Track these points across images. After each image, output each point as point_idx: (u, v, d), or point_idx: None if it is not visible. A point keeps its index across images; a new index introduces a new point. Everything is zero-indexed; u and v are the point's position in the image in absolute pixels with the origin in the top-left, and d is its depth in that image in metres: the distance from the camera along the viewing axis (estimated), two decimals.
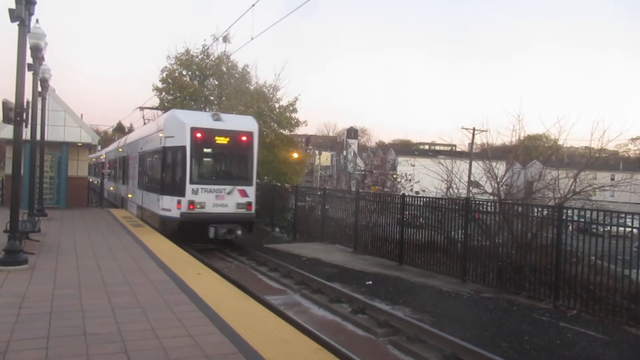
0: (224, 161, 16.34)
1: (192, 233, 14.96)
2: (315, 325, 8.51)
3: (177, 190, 15.03)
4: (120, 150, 25.90)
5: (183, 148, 15.01)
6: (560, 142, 14.62)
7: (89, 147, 24.52)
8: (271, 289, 11.23)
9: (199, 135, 15.15)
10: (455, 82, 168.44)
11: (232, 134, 15.71)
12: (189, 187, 14.82)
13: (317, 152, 75.63)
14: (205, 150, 15.65)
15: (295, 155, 31.50)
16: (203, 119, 15.97)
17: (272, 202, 23.24)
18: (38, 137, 17.98)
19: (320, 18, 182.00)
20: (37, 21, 12.74)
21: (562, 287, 10.33)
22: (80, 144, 22.43)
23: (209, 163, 16.12)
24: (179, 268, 9.21)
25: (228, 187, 15.27)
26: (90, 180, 30.41)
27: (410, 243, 14.19)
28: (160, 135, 16.13)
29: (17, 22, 8.35)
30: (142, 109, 26.36)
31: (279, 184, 27.08)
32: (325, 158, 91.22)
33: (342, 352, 6.57)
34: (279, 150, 28.08)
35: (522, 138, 15.57)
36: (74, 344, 5.05)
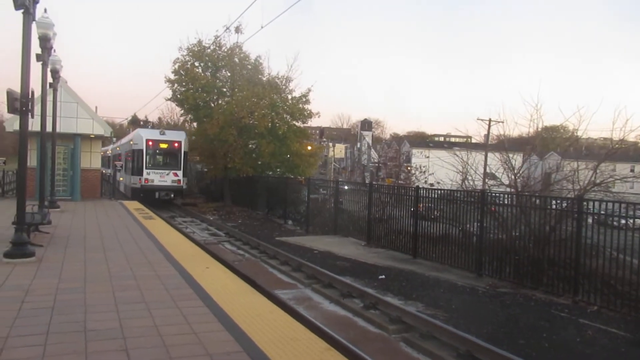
0: (164, 157, 27.60)
1: (147, 196, 25.73)
2: (326, 321, 8.30)
3: (139, 172, 26.48)
4: (117, 148, 36.93)
5: (141, 150, 26.49)
6: (579, 132, 14.17)
7: (102, 139, 24.52)
8: (282, 283, 11.02)
9: (150, 143, 26.79)
10: (472, 71, 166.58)
11: (169, 142, 27.28)
12: (145, 171, 26.38)
13: (330, 144, 75.37)
14: (154, 151, 27.07)
15: (309, 147, 31.28)
16: (154, 134, 27.67)
17: (285, 194, 23.07)
18: (50, 128, 17.96)
19: (333, 7, 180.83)
20: (45, 10, 12.65)
21: (581, 282, 9.98)
22: (92, 136, 22.43)
23: (156, 158, 27.37)
24: (187, 261, 9.03)
25: (166, 171, 26.75)
26: (104, 172, 33.30)
27: (424, 236, 13.90)
28: (131, 142, 27.98)
29: (22, 10, 8.17)
30: (132, 123, 41.51)
31: (291, 176, 26.90)
32: (339, 150, 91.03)
33: (353, 351, 6.33)
34: (292, 142, 27.86)
35: (540, 128, 15.15)
36: (73, 340, 4.87)
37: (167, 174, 26.77)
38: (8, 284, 7.05)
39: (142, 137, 26.92)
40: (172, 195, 27.17)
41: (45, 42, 12.59)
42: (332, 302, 9.51)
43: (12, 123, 20.84)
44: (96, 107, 60.92)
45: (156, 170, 26.73)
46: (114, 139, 40.24)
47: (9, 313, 5.64)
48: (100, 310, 5.88)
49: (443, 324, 7.59)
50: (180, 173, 27.03)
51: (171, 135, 28.16)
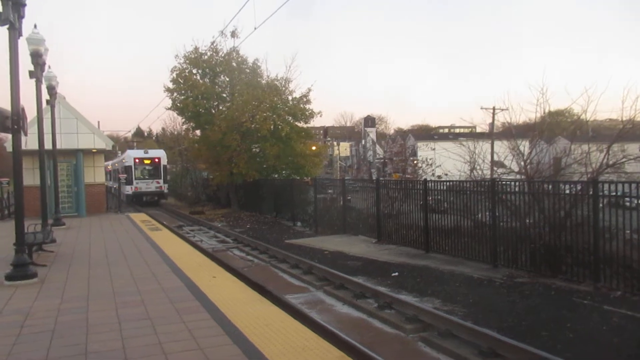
0: (148, 170, 36.25)
1: (136, 200, 35.52)
2: (340, 324, 8.01)
3: (130, 182, 35.21)
4: (116, 165, 43.49)
5: (130, 166, 35.51)
6: (588, 114, 13.72)
7: (105, 153, 24.36)
8: (293, 287, 10.74)
9: (137, 160, 35.89)
10: (474, 60, 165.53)
11: (151, 158, 36.26)
12: (134, 181, 35.36)
13: (335, 142, 75.01)
14: (140, 166, 35.91)
15: (313, 147, 31.03)
16: (139, 153, 37.22)
17: (292, 196, 22.82)
18: (50, 145, 17.81)
19: (333, 4, 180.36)
20: (35, 26, 12.43)
21: (602, 267, 9.63)
22: (94, 150, 22.27)
23: (142, 171, 36.20)
24: (194, 272, 8.78)
25: (150, 180, 35.73)
26: (109, 185, 37.70)
27: (435, 229, 13.59)
28: (124, 160, 37.57)
29: (6, 26, 7.94)
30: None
31: (297, 178, 26.64)
32: (344, 148, 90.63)
33: (370, 356, 6.04)
34: (295, 143, 27.58)
35: (546, 112, 14.74)
36: None
37: (151, 183, 36.29)
38: (8, 308, 6.81)
39: (130, 156, 37.11)
40: (156, 198, 37.10)
41: (37, 58, 12.37)
42: (346, 303, 9.21)
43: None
44: (98, 122, 62.47)
45: (143, 180, 36.22)
46: (119, 152, 48.53)
47: (8, 339, 5.40)
48: (103, 331, 5.63)
49: (462, 321, 7.29)
50: (161, 181, 36.69)
51: (153, 152, 38.15)
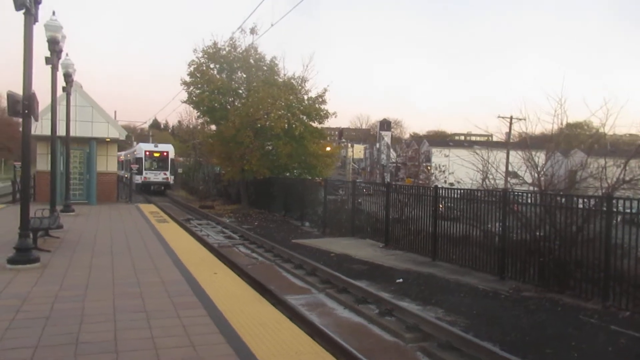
0: (157, 162, 40.06)
1: (144, 188, 38.53)
2: (339, 328, 7.90)
3: (140, 172, 38.15)
4: (128, 156, 46.27)
5: (141, 157, 39.06)
6: (607, 127, 13.45)
7: (118, 143, 24.47)
8: (295, 288, 10.64)
9: (147, 153, 39.79)
10: (493, 67, 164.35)
11: (160, 152, 40.14)
12: (144, 172, 38.55)
13: (349, 144, 74.82)
14: (150, 158, 39.46)
15: (328, 148, 30.92)
16: (150, 146, 41.58)
17: (302, 196, 22.72)
18: (63, 132, 17.92)
19: (353, 7, 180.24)
20: (53, 13, 12.50)
21: (612, 285, 9.40)
22: (108, 140, 22.35)
23: (151, 163, 39.88)
24: (196, 267, 8.71)
25: (158, 172, 39.31)
26: (121, 174, 37.53)
27: (444, 237, 13.41)
28: (135, 152, 41.51)
29: (22, 11, 7.93)
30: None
31: (309, 178, 26.54)
32: (358, 151, 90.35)
33: None
34: (309, 143, 27.48)
35: (564, 124, 14.47)
36: (62, 354, 4.56)
37: (159, 174, 40.68)
38: (7, 292, 6.79)
39: (142, 149, 41.82)
40: (162, 188, 41.22)
41: (54, 44, 12.42)
42: (347, 308, 9.09)
43: (34, 127, 20.88)
44: (115, 112, 64.33)
45: (151, 171, 40.48)
46: (135, 143, 50.88)
47: (1, 324, 5.36)
48: (97, 321, 5.57)
49: (463, 333, 7.13)
50: (168, 173, 41.22)
51: (162, 146, 42.69)
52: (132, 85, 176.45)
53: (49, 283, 7.30)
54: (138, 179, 38.21)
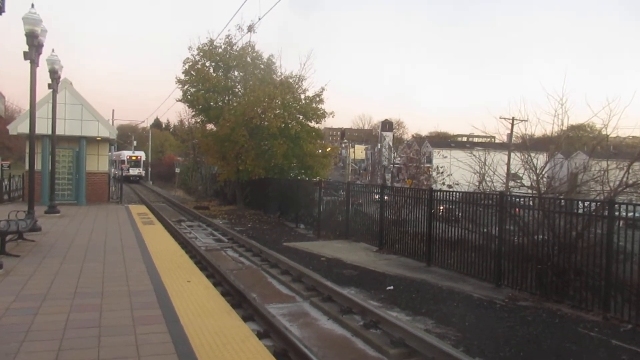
0: (134, 163, 65.90)
1: (127, 180, 53.97)
2: (320, 342, 7.37)
3: (124, 169, 62.46)
4: (118, 158, 64.81)
5: (124, 160, 65.63)
6: (609, 129, 12.87)
7: (110, 142, 23.96)
8: (278, 296, 10.09)
9: (128, 157, 66.27)
10: (493, 67, 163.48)
11: (137, 156, 66.63)
12: (125, 168, 62.82)
13: (350, 145, 74.21)
14: (130, 160, 65.70)
15: (328, 149, 30.42)
16: (130, 153, 67.48)
17: (297, 197, 22.18)
18: (49, 131, 17.45)
19: (356, 7, 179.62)
20: (32, 6, 12.00)
21: (613, 295, 8.84)
22: (99, 139, 21.86)
23: (131, 163, 65.46)
24: (170, 274, 8.20)
25: (135, 168, 65.30)
26: (113, 171, 43.30)
27: (439, 241, 12.86)
28: (120, 157, 66.58)
29: None
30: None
31: (305, 178, 26.02)
32: (359, 151, 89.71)
33: None
34: (305, 143, 26.93)
35: (565, 124, 13.89)
36: None
37: (135, 170, 64.43)
38: None
39: (125, 154, 64.49)
40: (138, 179, 63.70)
41: (33, 38, 11.91)
42: (331, 318, 8.53)
43: (16, 126, 20.45)
44: (113, 111, 72.44)
45: (131, 168, 63.42)
46: (135, 142, 72.03)
47: None
48: (42, 338, 5.05)
49: (452, 349, 6.57)
50: (141, 169, 65.78)
51: (137, 153, 66.59)
52: (134, 83, 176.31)
53: (4, 293, 6.77)
54: (122, 173, 57.38)
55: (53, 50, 16.44)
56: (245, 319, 7.18)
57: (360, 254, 14.58)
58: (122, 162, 63.48)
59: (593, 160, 13.27)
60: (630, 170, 11.35)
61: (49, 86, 16.75)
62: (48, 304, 6.32)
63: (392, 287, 10.78)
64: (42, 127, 18.62)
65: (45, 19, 12.49)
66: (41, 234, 11.89)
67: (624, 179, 11.22)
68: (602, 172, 11.86)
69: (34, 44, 12.05)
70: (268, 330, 7.15)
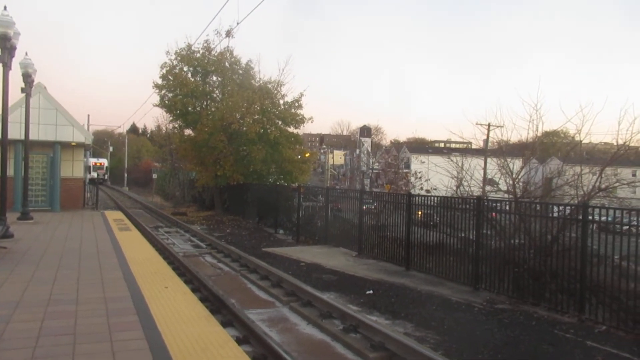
0: (98, 168, 72.31)
1: (93, 184, 32.74)
2: (299, 346, 7.34)
3: (90, 173, 49.20)
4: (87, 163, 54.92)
5: (90, 166, 53.28)
6: (583, 134, 13.12)
7: (85, 147, 23.59)
8: (257, 302, 10.02)
9: (93, 163, 66.73)
10: (470, 73, 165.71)
11: (101, 162, 75.13)
12: (92, 173, 58.55)
13: (328, 150, 74.29)
14: (95, 166, 69.59)
15: (307, 154, 30.40)
16: (95, 160, 70.18)
17: (276, 202, 22.10)
18: (21, 136, 17.12)
19: (329, 14, 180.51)
20: (5, 8, 11.79)
21: (588, 297, 8.99)
22: (74, 144, 21.50)
23: (95, 168, 69.34)
24: (147, 280, 8.08)
25: (99, 172, 71.25)
26: (92, 178, 45.66)
27: (417, 246, 12.93)
28: (89, 162, 48.59)
29: None
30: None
31: (284, 184, 25.96)
32: (338, 157, 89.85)
33: None
34: (284, 148, 26.89)
35: (539, 130, 14.12)
36: None
37: (100, 174, 69.13)
38: None
39: (90, 160, 56.63)
40: (102, 181, 64.95)
41: (5, 41, 11.68)
42: (310, 323, 8.51)
43: None
44: (88, 116, 72.39)
45: (96, 172, 65.57)
46: (111, 148, 78.71)
47: None
48: (14, 347, 4.92)
49: (431, 353, 6.59)
50: (105, 174, 74.00)
51: (101, 160, 74.51)
52: (110, 88, 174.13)
53: None
54: (89, 176, 59.20)
55: (26, 54, 16.15)
56: (224, 324, 7.11)
57: (340, 259, 14.59)
58: (88, 168, 69.93)
59: (567, 165, 13.53)
60: (603, 175, 11.60)
61: (22, 90, 16.42)
62: (21, 311, 6.17)
63: (371, 292, 10.80)
64: (15, 132, 18.22)
65: (19, 22, 12.30)
66: (13, 241, 11.62)
67: (597, 184, 11.46)
68: (576, 177, 12.10)
69: (6, 47, 11.82)
70: (247, 336, 7.09)
